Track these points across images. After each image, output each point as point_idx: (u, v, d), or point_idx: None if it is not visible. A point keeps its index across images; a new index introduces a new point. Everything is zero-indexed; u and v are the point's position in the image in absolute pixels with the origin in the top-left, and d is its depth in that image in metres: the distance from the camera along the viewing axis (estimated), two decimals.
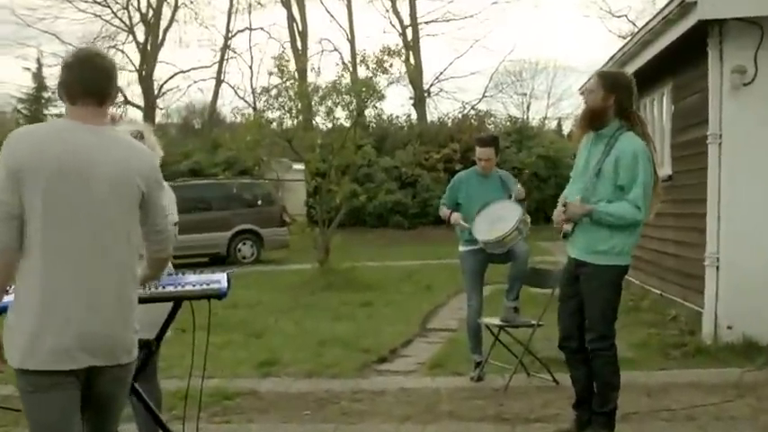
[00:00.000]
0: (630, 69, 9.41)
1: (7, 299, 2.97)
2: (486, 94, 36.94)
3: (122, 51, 35.19)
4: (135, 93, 35.62)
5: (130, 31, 35.07)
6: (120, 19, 34.85)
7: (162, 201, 3.18)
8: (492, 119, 31.42)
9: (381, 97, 13.94)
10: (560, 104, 44.58)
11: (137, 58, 35.21)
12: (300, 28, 34.00)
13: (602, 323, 4.87)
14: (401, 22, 34.86)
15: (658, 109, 10.54)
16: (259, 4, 35.81)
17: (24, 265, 2.88)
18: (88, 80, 2.98)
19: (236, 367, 7.36)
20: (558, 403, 5.84)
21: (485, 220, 6.49)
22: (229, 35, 36.63)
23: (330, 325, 9.44)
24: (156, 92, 35.50)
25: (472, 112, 32.57)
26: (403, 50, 15.06)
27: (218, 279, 3.73)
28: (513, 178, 6.99)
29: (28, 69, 32.05)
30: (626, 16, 33.14)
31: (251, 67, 45.81)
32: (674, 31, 7.97)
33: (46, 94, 32.50)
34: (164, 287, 3.64)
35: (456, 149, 25.39)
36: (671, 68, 9.32)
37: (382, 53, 13.54)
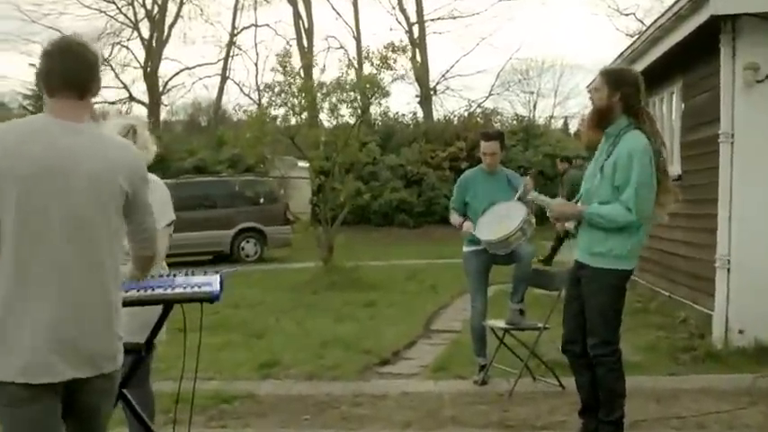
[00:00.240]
0: (639, 67, 9.24)
1: None
2: (492, 93, 36.80)
3: (127, 48, 35.16)
4: (140, 89, 35.53)
5: (135, 27, 34.94)
6: (125, 15, 34.74)
7: (148, 199, 3.01)
8: (498, 117, 31.29)
9: (386, 94, 13.78)
10: (567, 103, 44.29)
11: (141, 55, 35.12)
12: (306, 25, 33.86)
13: (603, 328, 4.70)
14: (407, 19, 34.70)
15: (668, 107, 10.38)
16: (265, 0, 35.68)
17: None
18: (68, 71, 2.81)
19: (235, 369, 7.22)
20: (564, 409, 5.68)
21: (489, 220, 6.34)
22: (235, 32, 36.50)
23: (332, 325, 9.29)
24: (161, 89, 35.34)
25: (478, 110, 32.40)
26: (408, 46, 14.84)
27: (210, 282, 3.55)
28: (520, 177, 6.81)
29: (33, 65, 31.80)
30: (634, 14, 32.79)
31: (256, 64, 45.56)
32: (686, 27, 7.79)
33: None
34: (153, 289, 3.47)
35: (462, 148, 25.23)
36: (681, 66, 9.15)
37: (387, 49, 13.35)
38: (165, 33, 35.15)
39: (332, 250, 13.95)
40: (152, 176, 4.46)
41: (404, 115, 30.33)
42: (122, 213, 2.90)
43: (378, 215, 25.77)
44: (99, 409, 2.94)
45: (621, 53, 10.74)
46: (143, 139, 4.40)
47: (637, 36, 11.28)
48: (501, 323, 6.55)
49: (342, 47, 33.34)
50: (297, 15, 33.76)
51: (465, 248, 6.71)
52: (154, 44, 34.74)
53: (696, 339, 7.70)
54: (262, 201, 18.66)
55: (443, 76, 35.42)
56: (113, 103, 35.08)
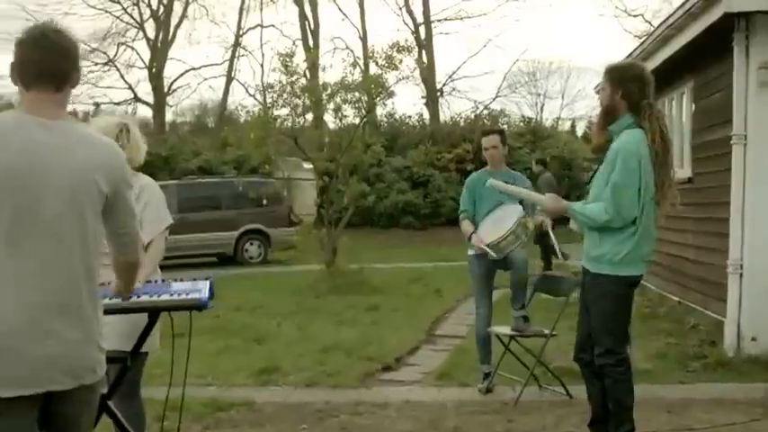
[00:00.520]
0: (649, 67, 9.01)
1: None
2: (499, 94, 36.57)
3: (132, 48, 35.08)
4: (145, 90, 35.42)
5: (141, 27, 34.84)
6: (131, 15, 34.64)
7: (131, 200, 2.83)
8: (505, 119, 31.10)
9: (390, 94, 13.60)
10: (575, 105, 44.04)
11: (147, 55, 35.02)
12: (312, 26, 33.71)
13: (606, 337, 4.49)
14: (414, 20, 34.50)
15: (678, 108, 10.19)
16: (271, 1, 35.53)
17: None
18: (43, 61, 2.62)
19: (233, 375, 7.06)
20: (571, 419, 5.48)
21: (487, 225, 6.23)
22: (241, 32, 36.37)
23: (334, 330, 9.10)
24: (166, 89, 35.22)
25: (485, 111, 32.22)
26: (413, 46, 14.63)
27: (200, 288, 3.36)
28: (528, 180, 6.61)
29: None
30: (642, 15, 32.43)
31: (262, 65, 45.40)
32: (698, 25, 7.60)
33: None
34: (138, 296, 3.29)
35: (468, 149, 25.03)
36: (692, 66, 8.95)
37: (392, 49, 13.15)
38: (171, 34, 35.08)
39: (335, 253, 13.76)
40: (147, 179, 4.30)
41: (410, 117, 30.27)
42: (101, 215, 2.72)
43: (383, 217, 25.65)
44: (79, 421, 2.78)
45: (631, 53, 10.54)
46: (135, 138, 4.24)
47: (647, 35, 11.04)
48: (506, 330, 6.36)
49: (348, 48, 33.17)
50: (303, 16, 33.61)
51: (469, 252, 6.53)
52: (159, 44, 34.62)
53: (707, 346, 7.49)
54: (265, 202, 18.49)
55: (450, 77, 35.21)
56: (118, 103, 35.11)
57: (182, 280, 3.61)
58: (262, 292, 12.83)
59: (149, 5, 34.72)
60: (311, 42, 32.56)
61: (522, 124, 30.35)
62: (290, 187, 21.09)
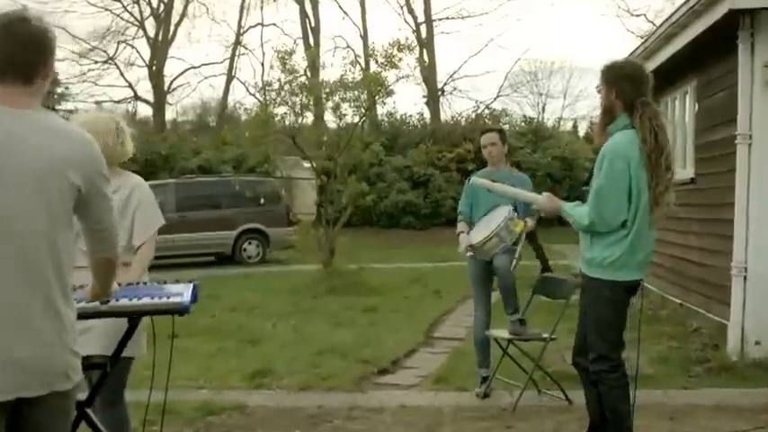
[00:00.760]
0: (652, 66, 8.93)
1: None
2: (500, 94, 36.40)
3: (132, 46, 34.92)
4: (145, 88, 35.28)
5: (141, 25, 34.70)
6: (131, 13, 34.49)
7: (108, 195, 2.68)
8: (507, 118, 30.92)
9: (390, 93, 13.45)
10: (576, 105, 43.76)
11: (147, 54, 34.86)
12: (313, 24, 33.58)
13: (600, 343, 4.35)
14: (415, 19, 34.36)
15: (681, 108, 10.04)
16: None
17: None
18: (9, 53, 2.47)
19: (226, 377, 6.91)
20: (570, 426, 5.35)
21: (479, 226, 6.13)
22: (241, 31, 36.21)
23: (330, 332, 8.95)
24: (166, 88, 35.07)
25: (486, 111, 32.05)
26: (413, 44, 14.47)
27: (181, 292, 3.21)
28: (529, 180, 6.45)
29: None
30: (644, 15, 32.22)
31: (262, 64, 45.28)
32: (702, 22, 7.44)
33: (59, 90, 32.13)
34: (117, 300, 3.14)
35: (469, 149, 24.88)
36: (696, 64, 8.80)
37: (392, 47, 13.00)
38: (171, 32, 34.93)
39: (333, 253, 13.60)
40: (136, 178, 4.16)
41: (411, 116, 30.06)
42: (74, 211, 2.58)
43: (384, 217, 25.54)
44: (52, 430, 2.62)
45: (633, 51, 10.39)
46: (126, 134, 4.10)
47: (650, 34, 10.88)
48: (504, 333, 6.21)
49: (349, 46, 33.03)
50: (303, 14, 33.50)
51: (467, 253, 6.38)
52: (159, 43, 34.48)
53: (710, 350, 7.34)
54: (262, 201, 18.33)
55: (451, 76, 35.05)
56: (118, 102, 34.99)
57: (165, 282, 3.46)
58: (259, 292, 12.69)
59: (150, 3, 34.62)
60: (312, 41, 32.43)
61: (523, 124, 30.17)
62: (289, 186, 20.92)
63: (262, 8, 36.31)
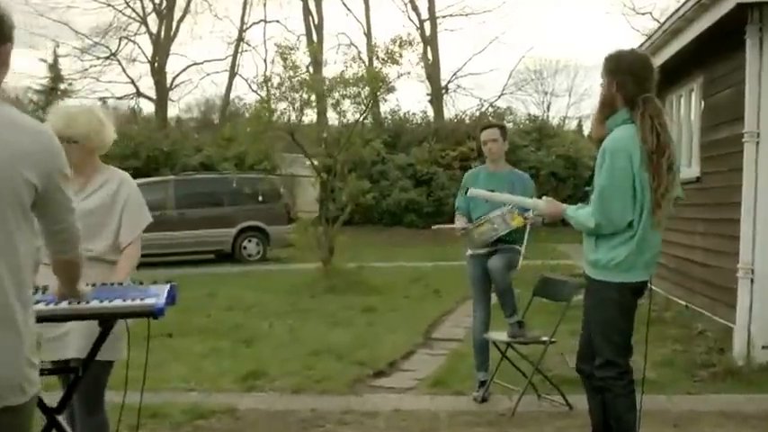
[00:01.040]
0: (657, 62, 8.63)
1: None
2: (505, 92, 36.13)
3: (134, 42, 34.71)
4: (147, 85, 35.09)
5: (143, 21, 34.51)
6: (133, 9, 34.27)
7: (68, 193, 2.49)
8: (511, 117, 30.72)
9: (391, 89, 13.25)
10: (581, 104, 43.54)
11: (149, 50, 34.66)
12: (316, 21, 33.40)
13: (606, 348, 4.14)
14: (419, 16, 34.14)
15: (686, 106, 9.84)
16: None
17: None
18: None
19: (217, 379, 6.73)
20: None
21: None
22: (244, 27, 36.00)
23: (326, 332, 8.76)
24: (168, 84, 34.90)
25: (490, 109, 31.82)
26: (416, 41, 14.26)
27: (156, 293, 3.03)
28: (530, 179, 6.25)
29: (44, 61, 31.41)
30: (650, 13, 31.98)
31: (265, 61, 45.07)
32: (708, 17, 7.25)
33: (62, 86, 31.99)
34: (87, 302, 2.95)
35: (473, 147, 24.66)
36: (702, 61, 8.61)
37: (394, 43, 12.80)
38: (174, 28, 34.73)
39: (332, 251, 13.41)
40: (122, 173, 3.97)
41: (414, 114, 29.88)
42: (30, 210, 2.39)
43: (386, 215, 25.38)
44: None
45: (639, 47, 10.17)
46: (107, 123, 3.92)
47: (655, 29, 10.67)
48: (503, 336, 6.01)
49: (352, 44, 32.83)
50: (306, 11, 33.32)
51: (467, 253, 6.21)
52: (161, 39, 34.30)
53: (715, 354, 7.14)
54: (261, 199, 18.14)
55: (455, 74, 34.80)
56: (120, 98, 34.83)
57: (141, 283, 3.29)
58: (257, 290, 12.49)
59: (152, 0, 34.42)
60: (315, 38, 32.23)
61: (528, 122, 29.98)
62: (290, 184, 20.73)
63: (264, 5, 36.28)
